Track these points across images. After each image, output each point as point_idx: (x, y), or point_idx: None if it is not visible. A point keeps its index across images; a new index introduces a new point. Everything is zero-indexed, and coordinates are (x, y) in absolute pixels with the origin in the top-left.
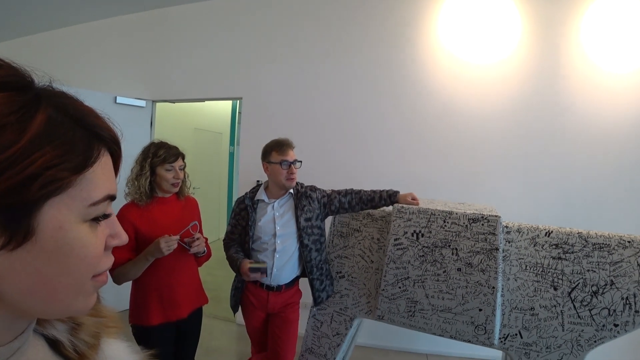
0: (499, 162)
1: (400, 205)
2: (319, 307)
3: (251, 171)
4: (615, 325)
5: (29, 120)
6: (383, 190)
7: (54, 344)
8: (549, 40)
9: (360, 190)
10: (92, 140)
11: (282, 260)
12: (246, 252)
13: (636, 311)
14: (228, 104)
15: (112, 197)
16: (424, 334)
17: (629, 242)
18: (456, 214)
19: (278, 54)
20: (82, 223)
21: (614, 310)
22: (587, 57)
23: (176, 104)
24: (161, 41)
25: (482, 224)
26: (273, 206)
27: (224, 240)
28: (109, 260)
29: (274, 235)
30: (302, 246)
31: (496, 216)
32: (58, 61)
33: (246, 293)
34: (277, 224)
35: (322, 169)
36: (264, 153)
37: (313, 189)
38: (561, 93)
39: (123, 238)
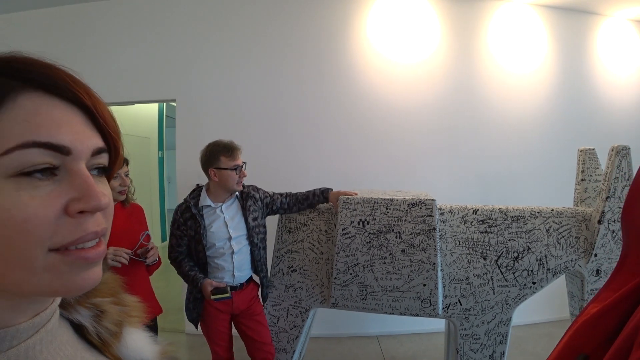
0: (427, 152)
1: (345, 197)
2: (274, 303)
3: (189, 176)
4: (534, 283)
5: None
6: (316, 189)
7: (78, 329)
8: (463, 44)
9: (296, 193)
10: None
11: (240, 261)
12: (200, 263)
13: (548, 269)
14: (154, 106)
15: (44, 145)
16: (373, 317)
17: (538, 212)
18: (397, 200)
19: (212, 54)
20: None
21: (532, 271)
22: (494, 59)
23: None
24: (82, 39)
25: (420, 208)
26: (221, 209)
27: (170, 255)
28: (77, 229)
29: (229, 238)
30: (252, 246)
31: (432, 200)
32: None
33: (209, 301)
34: (230, 227)
35: (264, 168)
36: (210, 159)
37: (255, 189)
38: (475, 89)
39: (92, 202)
